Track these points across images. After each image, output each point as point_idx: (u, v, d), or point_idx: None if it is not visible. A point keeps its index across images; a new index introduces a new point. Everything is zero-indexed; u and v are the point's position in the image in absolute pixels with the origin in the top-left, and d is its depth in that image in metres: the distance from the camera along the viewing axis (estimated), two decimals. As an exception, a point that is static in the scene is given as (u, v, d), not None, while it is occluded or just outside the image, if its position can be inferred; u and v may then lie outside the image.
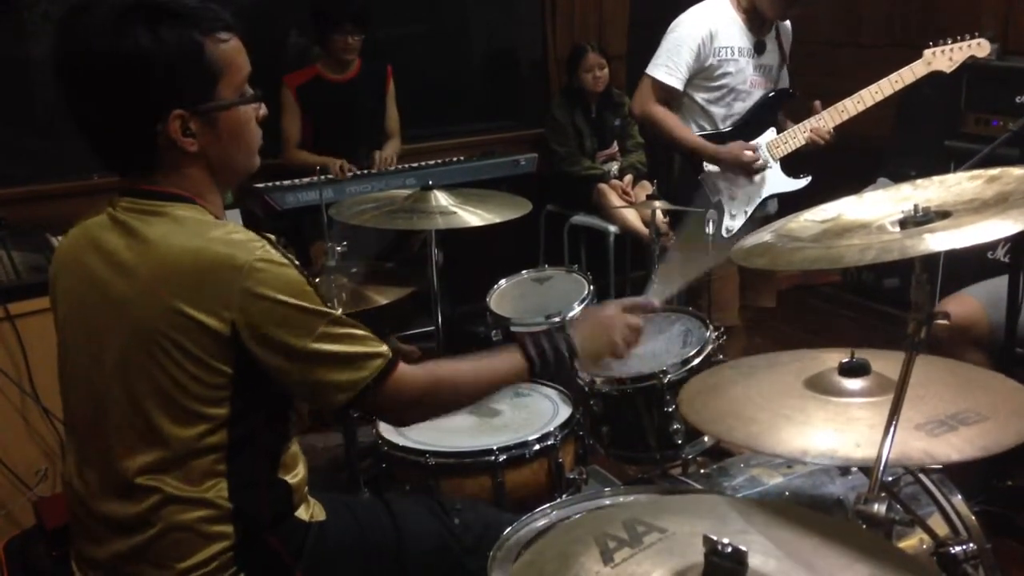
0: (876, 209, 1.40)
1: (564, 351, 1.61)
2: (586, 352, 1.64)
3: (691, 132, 3.08)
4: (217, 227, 1.41)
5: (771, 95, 3.12)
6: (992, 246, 3.38)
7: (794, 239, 1.39)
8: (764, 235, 1.46)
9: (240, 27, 1.44)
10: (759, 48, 3.07)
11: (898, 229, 1.30)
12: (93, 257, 1.45)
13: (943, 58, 3.00)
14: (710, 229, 2.80)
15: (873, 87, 2.99)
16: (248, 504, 1.46)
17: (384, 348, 1.46)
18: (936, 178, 1.43)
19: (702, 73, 3.03)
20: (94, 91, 1.37)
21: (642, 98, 3.12)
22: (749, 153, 3.05)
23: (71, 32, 1.38)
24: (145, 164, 1.42)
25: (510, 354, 1.60)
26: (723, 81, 3.05)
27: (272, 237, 1.43)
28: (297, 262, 1.42)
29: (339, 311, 1.44)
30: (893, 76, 2.99)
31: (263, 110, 1.51)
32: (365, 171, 3.95)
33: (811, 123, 3.05)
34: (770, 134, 3.11)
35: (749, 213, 3.14)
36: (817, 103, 3.02)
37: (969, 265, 3.10)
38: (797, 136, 3.07)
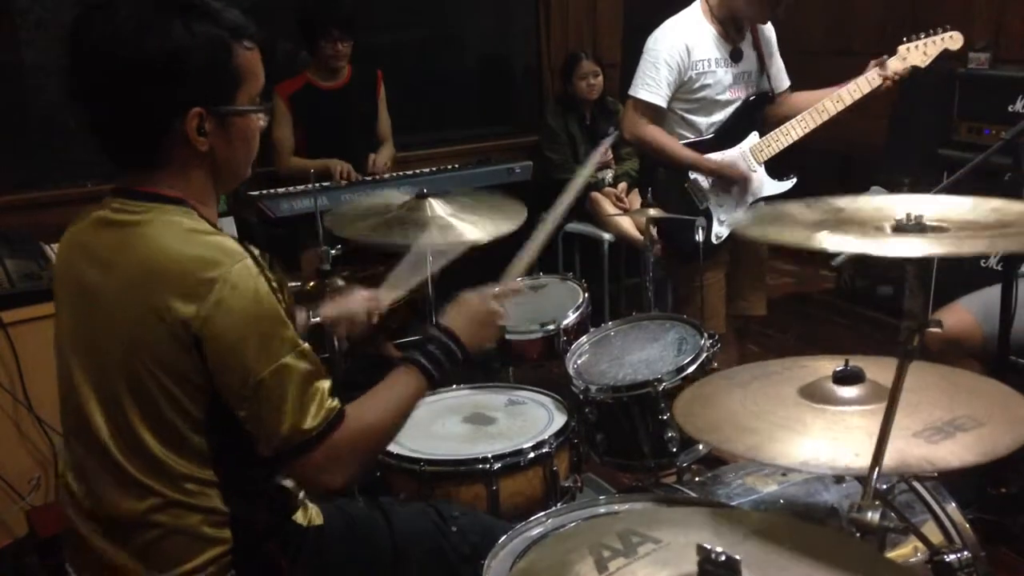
0: (882, 212, 1.39)
1: (454, 349, 1.60)
2: (472, 343, 1.64)
3: (684, 148, 3.09)
4: (208, 233, 1.40)
5: (751, 100, 3.13)
6: (984, 254, 3.39)
7: (790, 219, 1.38)
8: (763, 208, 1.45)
9: (261, 40, 1.45)
10: (735, 56, 3.08)
11: (891, 233, 1.30)
12: (82, 262, 1.44)
13: (917, 52, 3.02)
14: (699, 236, 2.81)
15: (851, 85, 3.01)
16: (244, 509, 1.46)
17: (335, 402, 1.42)
18: (947, 197, 1.43)
19: (682, 87, 3.05)
20: (118, 84, 1.35)
21: (630, 121, 3.13)
22: (744, 166, 3.08)
23: (97, 26, 1.36)
24: (153, 161, 1.41)
25: (406, 375, 1.56)
26: (702, 93, 3.07)
27: (255, 251, 1.40)
28: (275, 283, 1.39)
29: (306, 345, 1.40)
30: (870, 74, 3.00)
31: (263, 122, 1.51)
32: (359, 178, 3.95)
33: (795, 120, 3.07)
34: (752, 138, 3.13)
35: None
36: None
37: (962, 273, 3.11)
38: (780, 138, 3.09)
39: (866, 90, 3.00)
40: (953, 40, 3.01)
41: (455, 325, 1.64)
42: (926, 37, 3.02)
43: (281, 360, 1.35)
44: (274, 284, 1.38)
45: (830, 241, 1.23)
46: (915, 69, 3.02)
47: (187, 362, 1.35)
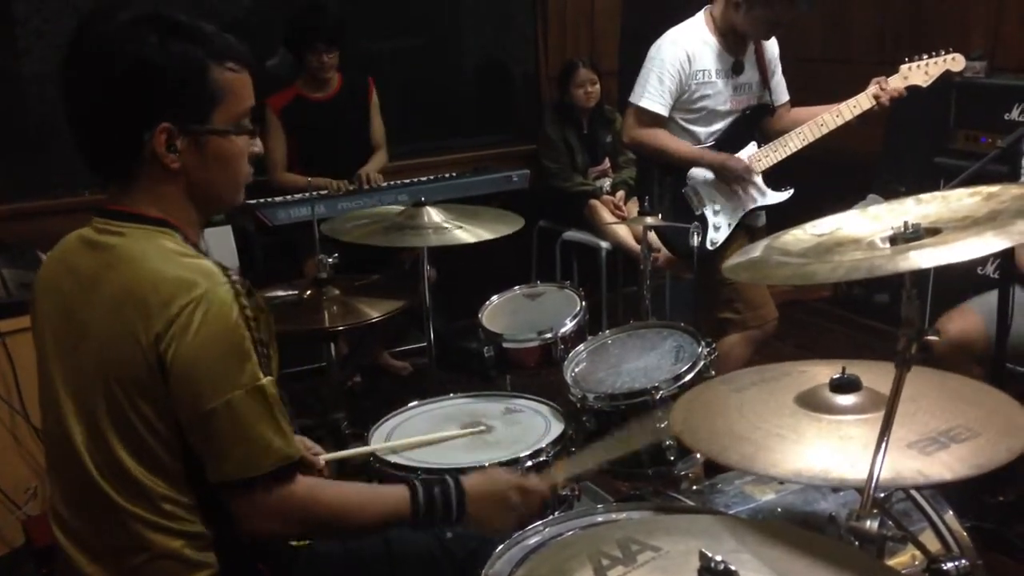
0: (875, 224, 1.40)
1: (453, 510, 1.57)
2: (475, 518, 1.60)
3: (684, 144, 3.10)
4: (189, 256, 1.39)
5: (750, 111, 3.15)
6: (982, 261, 3.40)
7: (783, 253, 1.39)
8: (757, 249, 1.46)
9: (253, 63, 1.45)
10: (736, 69, 3.10)
11: (888, 245, 1.31)
12: (67, 280, 1.44)
13: (919, 72, 3.05)
14: (695, 242, 2.83)
15: (851, 101, 3.04)
16: (227, 532, 1.43)
17: (292, 450, 1.39)
18: (939, 193, 1.44)
19: (682, 97, 3.07)
20: (94, 87, 1.37)
21: (630, 128, 3.15)
22: (746, 157, 3.10)
23: (90, 28, 1.39)
24: (127, 173, 1.41)
25: (397, 494, 1.54)
26: (702, 103, 3.09)
27: (235, 277, 1.38)
28: (251, 312, 1.36)
29: (268, 380, 1.36)
30: (870, 90, 3.02)
31: (258, 147, 1.50)
32: (354, 187, 3.95)
33: (793, 133, 3.08)
34: (751, 148, 3.15)
35: (733, 225, 3.17)
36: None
37: (959, 280, 3.12)
38: (778, 149, 3.11)
39: (866, 106, 3.02)
40: (955, 62, 3.06)
41: (471, 488, 1.60)
42: (928, 58, 3.05)
43: (231, 394, 1.32)
44: (249, 313, 1.35)
45: (815, 278, 1.24)
46: (916, 88, 3.04)
47: (154, 383, 1.34)
